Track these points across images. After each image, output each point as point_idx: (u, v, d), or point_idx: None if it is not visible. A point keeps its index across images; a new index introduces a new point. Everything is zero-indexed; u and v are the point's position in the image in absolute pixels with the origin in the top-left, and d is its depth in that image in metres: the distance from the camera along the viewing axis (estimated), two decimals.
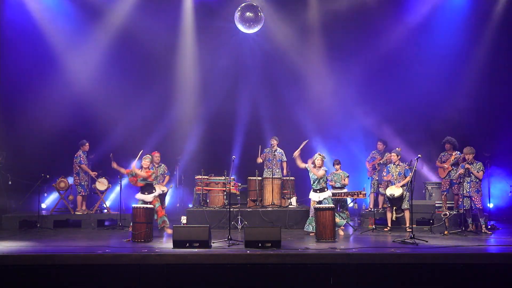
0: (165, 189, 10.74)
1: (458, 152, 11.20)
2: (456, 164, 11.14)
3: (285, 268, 7.48)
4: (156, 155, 11.15)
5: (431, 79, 13.10)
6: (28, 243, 8.95)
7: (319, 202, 9.82)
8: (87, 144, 11.70)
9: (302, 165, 10.14)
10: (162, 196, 10.53)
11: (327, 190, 10.06)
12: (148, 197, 9.69)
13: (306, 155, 10.60)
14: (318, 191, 9.94)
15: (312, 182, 10.06)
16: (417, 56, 13.20)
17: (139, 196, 9.75)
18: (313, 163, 9.98)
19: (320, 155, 10.08)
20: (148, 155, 10.01)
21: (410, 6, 13.13)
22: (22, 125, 12.66)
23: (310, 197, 10.13)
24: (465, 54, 13.07)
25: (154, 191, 9.84)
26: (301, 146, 10.27)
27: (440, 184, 11.83)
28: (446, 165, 11.43)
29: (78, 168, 11.49)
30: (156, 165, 11.13)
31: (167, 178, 11.31)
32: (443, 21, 13.08)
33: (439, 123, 12.99)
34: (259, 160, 11.74)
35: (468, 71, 13.05)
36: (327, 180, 10.28)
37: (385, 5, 13.14)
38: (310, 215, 10.17)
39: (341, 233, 10.14)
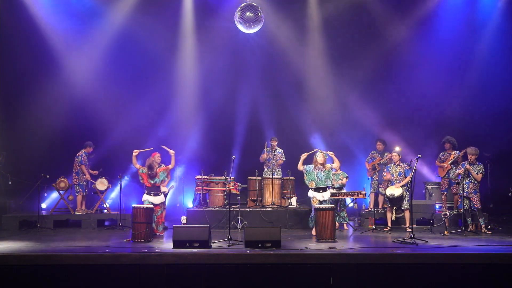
0: (166, 189, 10.74)
1: (457, 152, 11.21)
2: (455, 162, 11.14)
3: (285, 268, 7.48)
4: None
5: (431, 80, 13.09)
6: (28, 243, 8.94)
7: (321, 202, 9.75)
8: (92, 147, 11.69)
9: (301, 167, 10.09)
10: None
11: (328, 189, 9.96)
12: (156, 199, 9.62)
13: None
14: (321, 190, 9.85)
15: (316, 181, 9.82)
16: (418, 57, 13.18)
17: (146, 197, 9.63)
18: (316, 161, 9.92)
19: (321, 152, 10.04)
20: (157, 153, 10.06)
21: (413, 6, 13.12)
22: (22, 125, 12.65)
23: (311, 196, 9.88)
24: (466, 54, 13.07)
25: (160, 193, 9.78)
26: (308, 153, 10.19)
27: (440, 184, 11.83)
28: (445, 164, 11.43)
29: (78, 167, 11.48)
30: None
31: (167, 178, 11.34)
32: (445, 21, 13.07)
33: (439, 123, 12.99)
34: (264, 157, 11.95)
35: (469, 71, 13.05)
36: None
37: (387, 5, 13.13)
38: (312, 213, 9.93)
39: (345, 227, 10.70)
